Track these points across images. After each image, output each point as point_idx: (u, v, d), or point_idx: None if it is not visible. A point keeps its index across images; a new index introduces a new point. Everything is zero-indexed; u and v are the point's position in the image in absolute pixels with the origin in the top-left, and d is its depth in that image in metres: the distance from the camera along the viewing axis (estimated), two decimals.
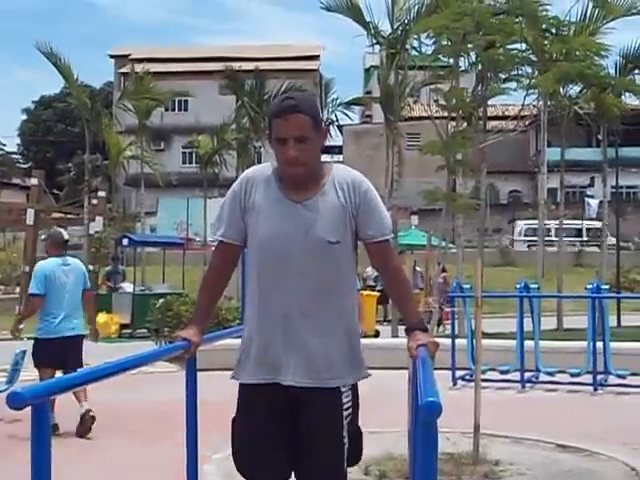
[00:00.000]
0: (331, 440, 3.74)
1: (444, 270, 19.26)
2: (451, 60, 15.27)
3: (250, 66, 38.02)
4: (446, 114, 14.33)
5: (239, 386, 3.93)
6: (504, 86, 14.00)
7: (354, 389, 3.86)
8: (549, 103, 22.88)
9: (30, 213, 29.64)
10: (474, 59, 12.76)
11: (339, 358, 3.78)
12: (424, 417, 2.36)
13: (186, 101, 57.37)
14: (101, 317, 22.21)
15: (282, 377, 3.76)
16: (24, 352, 10.89)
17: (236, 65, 37.84)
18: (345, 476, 3.81)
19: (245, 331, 3.92)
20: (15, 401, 2.13)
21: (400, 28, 21.11)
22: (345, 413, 3.77)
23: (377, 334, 20.75)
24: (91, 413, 10.09)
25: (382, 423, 8.97)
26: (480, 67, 13.33)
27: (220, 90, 46.72)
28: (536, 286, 15.57)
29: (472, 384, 9.39)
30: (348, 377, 3.81)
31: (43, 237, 11.03)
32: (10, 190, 60.28)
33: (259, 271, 3.83)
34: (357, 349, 3.89)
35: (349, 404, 3.80)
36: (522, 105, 12.58)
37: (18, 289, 30.10)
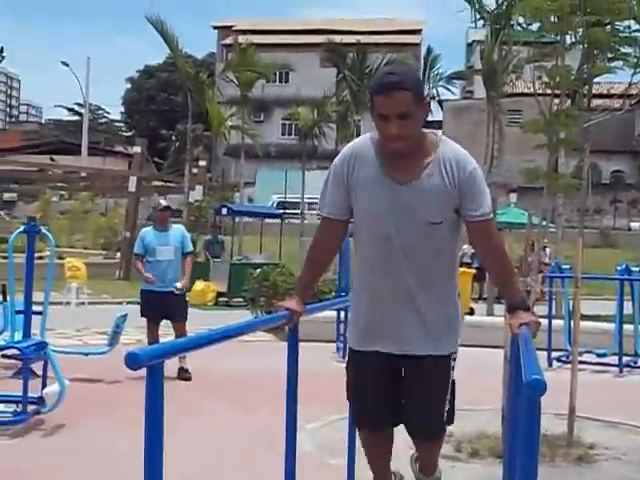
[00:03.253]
0: (435, 391, 4.00)
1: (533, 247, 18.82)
2: (556, 36, 15.05)
3: (352, 39, 37.96)
4: (549, 91, 14.12)
5: (348, 350, 4.18)
6: (611, 65, 13.74)
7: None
8: None
9: (132, 180, 30.19)
10: (579, 37, 12.55)
11: (443, 331, 3.94)
12: (528, 395, 2.38)
13: (287, 73, 57.49)
14: (199, 285, 22.53)
15: (390, 348, 3.95)
16: (125, 316, 11.15)
17: (338, 38, 37.82)
18: (444, 422, 4.09)
19: (352, 307, 4.07)
20: (133, 361, 2.22)
21: (505, 3, 20.82)
22: (450, 373, 4.03)
23: (472, 312, 20.63)
24: (186, 375, 10.70)
25: (475, 401, 8.96)
26: (585, 45, 13.11)
27: (321, 63, 46.81)
28: (638, 269, 15.32)
29: (568, 366, 9.32)
30: (451, 347, 4.00)
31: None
32: (113, 157, 61.44)
33: (363, 250, 3.93)
34: (456, 321, 4.02)
35: (452, 369, 4.05)
36: (629, 83, 12.33)
37: (118, 254, 30.72)
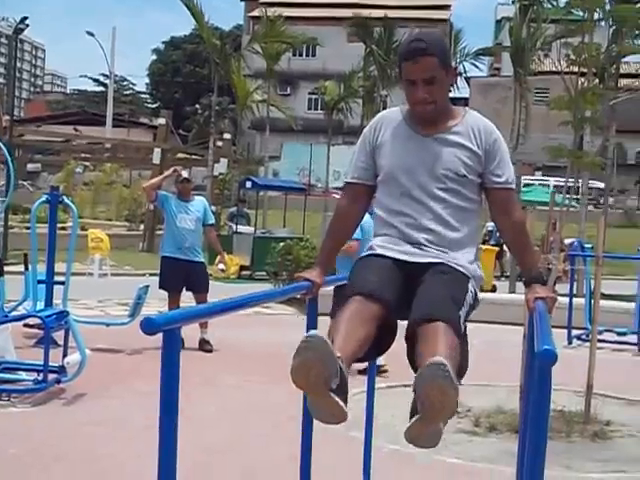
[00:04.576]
0: (450, 288, 3.61)
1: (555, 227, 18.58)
2: (584, 14, 14.99)
3: (380, 14, 37.75)
4: (576, 69, 14.06)
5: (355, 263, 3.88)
6: (638, 43, 13.66)
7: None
8: None
9: (157, 152, 30.26)
10: (607, 13, 12.49)
11: (462, 263, 3.77)
12: (539, 365, 2.39)
13: (314, 47, 57.23)
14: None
15: (399, 255, 3.77)
16: (147, 287, 11.22)
17: (365, 12, 37.63)
18: (457, 316, 3.54)
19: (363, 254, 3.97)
20: (148, 327, 2.25)
21: None
22: (467, 298, 3.67)
23: (494, 289, 20.64)
24: (208, 346, 10.80)
25: (494, 377, 9.00)
26: (613, 21, 13.03)
27: (348, 37, 46.63)
28: None
29: (587, 344, 9.32)
30: (471, 274, 3.77)
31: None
32: (138, 129, 61.45)
33: (386, 202, 3.91)
34: (477, 271, 3.87)
35: (470, 301, 3.69)
36: None
37: (142, 226, 30.86)
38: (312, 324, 4.00)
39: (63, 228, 15.31)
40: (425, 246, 3.80)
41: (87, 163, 45.62)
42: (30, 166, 49.65)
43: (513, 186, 3.93)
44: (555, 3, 20.13)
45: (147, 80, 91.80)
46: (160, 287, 11.18)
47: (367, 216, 4.29)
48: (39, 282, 9.43)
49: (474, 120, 3.90)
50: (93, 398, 8.03)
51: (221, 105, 46.80)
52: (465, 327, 3.64)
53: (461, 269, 3.76)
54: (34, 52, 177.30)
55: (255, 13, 51.20)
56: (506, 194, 3.88)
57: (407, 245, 3.82)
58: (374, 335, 3.54)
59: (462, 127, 3.85)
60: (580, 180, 19.20)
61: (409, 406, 3.26)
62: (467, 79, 48.13)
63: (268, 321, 13.71)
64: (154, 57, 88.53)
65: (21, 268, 9.39)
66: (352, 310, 3.53)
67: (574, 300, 13.37)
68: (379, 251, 3.84)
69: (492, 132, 3.88)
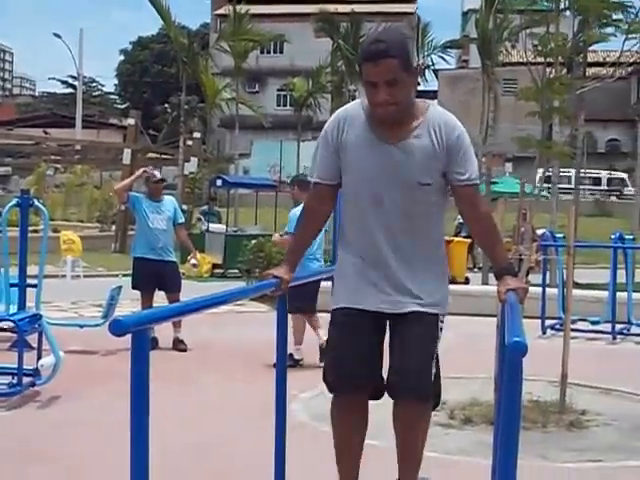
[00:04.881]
0: (424, 347, 3.85)
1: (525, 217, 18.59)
2: (550, 4, 15.03)
3: (346, 8, 37.72)
4: (542, 59, 14.04)
5: (331, 313, 4.03)
6: (603, 31, 13.70)
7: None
8: None
9: (127, 153, 30.12)
10: (572, 3, 12.49)
11: (429, 292, 3.90)
12: (510, 357, 2.40)
13: (282, 43, 57.11)
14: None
15: (376, 307, 3.90)
16: (120, 288, 11.17)
17: (332, 7, 37.59)
18: (430, 383, 3.90)
19: (337, 270, 4.04)
20: (117, 328, 2.24)
21: None
22: (438, 335, 3.91)
23: (467, 281, 20.70)
24: (182, 345, 10.84)
25: (469, 369, 9.02)
26: (577, 11, 13.04)
27: (315, 33, 46.59)
28: (631, 237, 15.33)
29: (561, 334, 9.35)
30: (439, 307, 3.93)
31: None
32: (108, 130, 61.24)
33: (350, 211, 3.93)
34: (445, 286, 3.98)
35: (439, 333, 3.93)
36: (621, 51, 12.29)
37: (114, 227, 30.72)
38: (282, 320, 4.01)
39: (35, 231, 15.20)
40: (396, 279, 3.86)
41: (58, 165, 45.34)
42: (0, 169, 49.31)
43: (477, 181, 3.94)
44: None
45: (116, 81, 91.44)
46: (133, 287, 11.18)
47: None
48: (11, 285, 9.38)
49: (436, 116, 3.86)
50: (68, 400, 7.99)
51: (190, 104, 46.63)
52: (437, 354, 3.91)
53: (431, 310, 3.88)
54: (2, 56, 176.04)
55: (222, 11, 50.90)
56: (470, 190, 3.89)
57: (378, 279, 3.88)
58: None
59: (424, 128, 3.81)
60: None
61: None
62: (435, 72, 48.17)
63: (241, 319, 13.68)
64: (122, 58, 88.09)
65: None
66: (342, 426, 4.08)
67: (547, 290, 13.42)
68: (352, 302, 3.91)
69: (454, 128, 3.84)
